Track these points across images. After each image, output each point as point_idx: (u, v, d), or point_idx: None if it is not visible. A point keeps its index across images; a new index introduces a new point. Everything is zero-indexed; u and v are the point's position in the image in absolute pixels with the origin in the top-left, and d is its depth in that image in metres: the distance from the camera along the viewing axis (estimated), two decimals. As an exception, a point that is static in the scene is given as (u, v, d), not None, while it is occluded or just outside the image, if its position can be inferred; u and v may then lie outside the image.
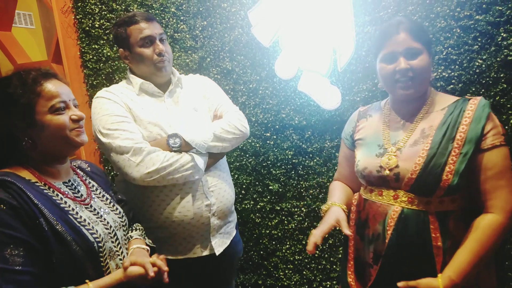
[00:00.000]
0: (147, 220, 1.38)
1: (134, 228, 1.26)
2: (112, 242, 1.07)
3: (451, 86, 1.58)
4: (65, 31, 2.04)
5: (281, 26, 1.66)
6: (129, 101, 1.38)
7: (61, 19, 2.02)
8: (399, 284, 1.05)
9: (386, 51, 1.17)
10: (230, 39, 1.82)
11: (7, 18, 2.25)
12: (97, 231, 1.01)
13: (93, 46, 2.01)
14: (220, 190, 1.45)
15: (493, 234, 1.07)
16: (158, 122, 1.38)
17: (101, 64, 2.01)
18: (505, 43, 1.49)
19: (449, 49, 1.56)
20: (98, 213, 1.08)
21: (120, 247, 1.10)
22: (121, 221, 1.15)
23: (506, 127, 1.53)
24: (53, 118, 0.99)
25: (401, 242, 1.13)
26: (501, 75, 1.51)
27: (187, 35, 1.86)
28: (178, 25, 1.86)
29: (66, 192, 1.03)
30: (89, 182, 1.16)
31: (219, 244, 1.46)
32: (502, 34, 1.49)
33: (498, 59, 1.50)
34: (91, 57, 2.02)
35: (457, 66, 1.57)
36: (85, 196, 1.09)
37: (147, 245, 1.22)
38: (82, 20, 1.99)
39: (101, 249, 1.00)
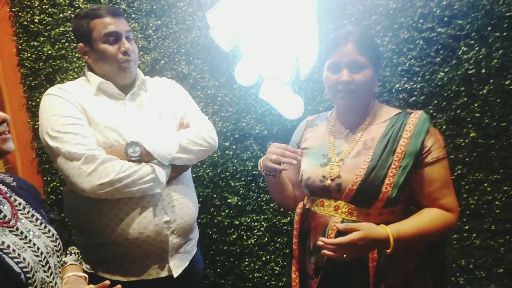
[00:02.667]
0: (97, 236, 1.22)
1: (69, 252, 1.09)
2: (44, 271, 0.90)
3: (413, 98, 1.56)
4: (-1, 25, 1.81)
5: (242, 29, 1.56)
6: (84, 101, 1.23)
7: (-6, 11, 1.80)
8: (338, 225, 1.08)
9: (332, 60, 1.17)
10: (187, 41, 1.70)
11: None
12: (24, 259, 0.85)
13: (31, 43, 1.80)
14: (181, 205, 1.31)
15: (443, 220, 1.10)
16: (117, 127, 1.23)
17: (41, 63, 1.81)
18: (465, 56, 1.49)
19: (412, 60, 1.54)
20: (26, 237, 0.91)
21: (54, 277, 0.94)
22: (54, 246, 0.99)
23: (466, 140, 1.53)
24: None
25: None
26: (462, 89, 1.51)
27: (139, 35, 1.71)
28: (129, 24, 1.70)
29: None
30: (15, 200, 0.98)
31: (177, 265, 1.32)
32: (463, 48, 1.49)
33: (459, 72, 1.50)
34: (29, 55, 1.81)
35: (419, 78, 1.55)
36: (9, 216, 0.91)
37: (84, 271, 1.06)
38: (19, 13, 1.78)
39: (30, 281, 0.84)
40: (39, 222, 0.99)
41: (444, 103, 1.53)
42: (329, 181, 1.16)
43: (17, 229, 0.91)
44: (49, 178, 1.91)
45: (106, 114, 1.24)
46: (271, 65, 1.59)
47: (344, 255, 1.03)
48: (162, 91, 1.42)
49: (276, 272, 1.84)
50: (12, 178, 1.05)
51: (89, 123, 1.21)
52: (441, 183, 1.12)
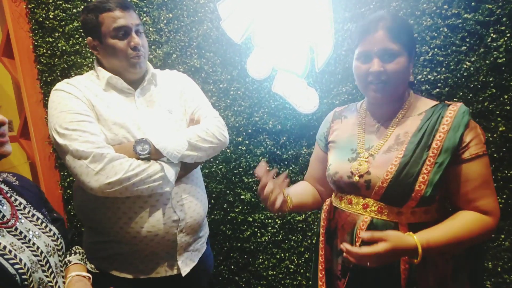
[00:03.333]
0: (105, 233, 1.21)
1: (73, 251, 1.08)
2: (44, 271, 0.89)
3: (437, 90, 1.46)
4: (16, 22, 1.83)
5: (254, 20, 1.51)
6: (93, 97, 1.20)
7: (11, 8, 1.81)
8: (362, 234, 0.99)
9: (362, 49, 1.07)
10: (198, 34, 1.65)
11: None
12: (21, 260, 0.84)
13: (47, 39, 1.81)
14: (190, 204, 1.29)
15: (479, 225, 1.01)
16: (126, 123, 1.20)
17: (56, 59, 1.81)
18: (494, 44, 1.37)
19: (435, 49, 1.44)
20: (25, 236, 0.90)
21: (54, 277, 0.93)
22: (56, 245, 0.97)
23: (495, 135, 1.41)
24: None
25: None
26: (490, 79, 1.39)
27: (150, 29, 1.68)
28: (141, 17, 1.68)
29: None
30: (16, 200, 0.97)
31: (186, 264, 1.29)
32: (492, 34, 1.37)
33: (487, 61, 1.39)
34: (45, 51, 1.82)
35: (443, 69, 1.44)
36: (8, 217, 0.90)
37: (88, 271, 1.05)
38: (35, 10, 1.79)
39: (26, 282, 0.83)
40: (40, 221, 0.98)
41: (471, 95, 1.42)
42: (356, 178, 1.09)
43: (16, 229, 0.90)
44: (66, 173, 1.93)
45: (115, 110, 1.21)
46: (285, 57, 1.53)
47: (368, 264, 0.96)
48: (172, 85, 1.38)
49: (291, 270, 1.79)
50: (15, 178, 1.05)
51: (98, 120, 1.19)
52: (479, 183, 1.02)
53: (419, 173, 1.01)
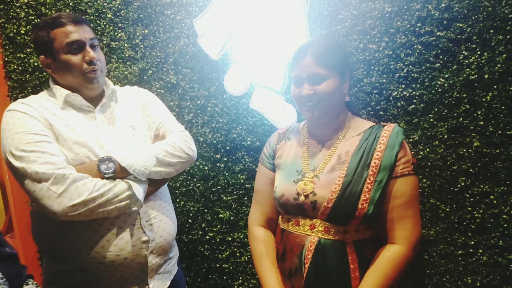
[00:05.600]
0: (69, 261, 1.13)
1: (26, 283, 1.00)
2: None
3: (412, 106, 1.47)
4: (-15, 37, 1.77)
5: (231, 37, 1.50)
6: (50, 116, 1.14)
7: (-20, 23, 1.76)
8: None
9: (294, 74, 1.16)
10: (175, 50, 1.63)
11: None
12: None
13: (18, 55, 1.75)
14: (160, 223, 1.24)
15: (397, 266, 1.04)
16: (87, 142, 1.14)
17: (27, 76, 1.76)
18: (466, 61, 1.40)
19: (410, 66, 1.46)
20: None
21: None
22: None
23: (470, 150, 1.43)
24: None
25: (320, 275, 1.07)
26: (464, 95, 1.42)
27: (125, 44, 1.65)
28: (116, 33, 1.65)
29: None
30: None
31: (158, 287, 1.24)
32: (464, 52, 1.40)
33: (460, 78, 1.41)
34: (15, 67, 1.76)
35: (418, 85, 1.46)
36: None
37: None
38: (6, 25, 1.74)
39: None
40: None
41: (445, 110, 1.44)
42: (302, 198, 1.11)
43: None
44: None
45: (75, 129, 1.16)
46: (262, 74, 1.52)
47: None
48: (134, 101, 1.34)
49: (271, 290, 1.74)
50: None
51: (57, 140, 1.12)
52: (401, 202, 1.07)
53: (361, 192, 1.05)
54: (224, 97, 1.64)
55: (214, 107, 1.66)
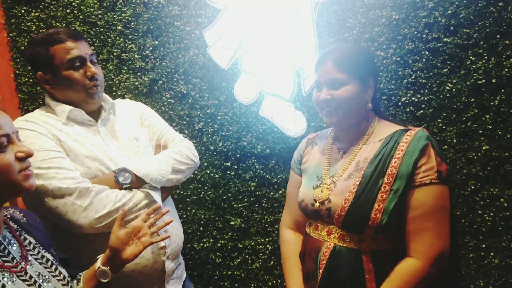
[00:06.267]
0: None
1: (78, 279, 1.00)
2: None
3: (421, 111, 1.49)
4: (-3, 50, 1.80)
5: (240, 46, 1.52)
6: (57, 132, 1.15)
7: (-8, 36, 1.78)
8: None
9: (316, 78, 1.16)
10: (185, 60, 1.66)
11: None
12: None
13: (28, 68, 1.77)
14: (172, 228, 1.27)
15: (411, 281, 0.99)
16: (98, 156, 1.16)
17: (38, 88, 1.78)
18: (474, 66, 1.42)
19: (418, 72, 1.48)
20: (35, 282, 0.81)
21: None
22: None
23: (479, 153, 1.44)
24: None
25: (333, 282, 1.05)
26: (472, 100, 1.43)
27: (136, 55, 1.68)
28: (126, 45, 1.67)
29: None
30: (25, 239, 0.88)
31: None
32: (471, 57, 1.42)
33: (468, 83, 1.43)
34: (26, 79, 1.78)
35: (426, 91, 1.48)
36: (18, 259, 0.82)
37: None
38: (17, 38, 1.76)
39: None
40: (49, 263, 0.89)
41: (454, 115, 1.46)
42: (317, 204, 1.11)
43: (26, 273, 0.81)
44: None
45: (84, 144, 1.17)
46: (272, 82, 1.54)
47: None
48: (131, 113, 1.37)
49: (283, 297, 1.75)
50: (22, 214, 0.95)
51: (67, 155, 1.13)
52: (420, 213, 1.00)
53: (374, 201, 1.01)
54: (234, 106, 1.66)
55: (224, 116, 1.68)
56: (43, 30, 1.73)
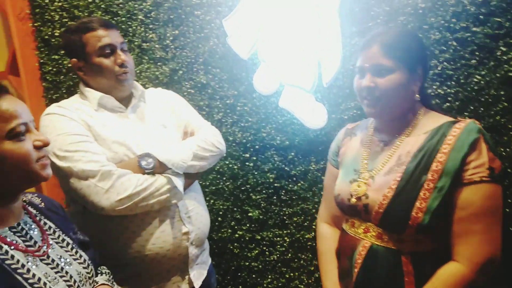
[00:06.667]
0: (113, 257, 1.17)
1: (99, 271, 1.03)
2: None
3: (447, 104, 1.44)
4: (22, 40, 1.84)
5: (260, 36, 1.50)
6: (87, 117, 1.20)
7: (17, 26, 1.82)
8: None
9: (358, 63, 1.06)
10: (205, 50, 1.65)
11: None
12: None
13: (52, 57, 1.81)
14: (197, 215, 1.29)
15: (454, 287, 0.91)
16: (125, 141, 1.20)
17: (62, 77, 1.81)
18: (505, 57, 1.35)
19: (445, 63, 1.42)
20: (58, 265, 0.83)
21: None
22: (87, 272, 0.90)
23: (508, 149, 1.38)
24: (13, 146, 0.77)
25: (369, 283, 1.00)
26: (501, 93, 1.37)
27: (156, 45, 1.68)
28: (147, 34, 1.68)
29: (14, 242, 0.79)
30: (45, 223, 0.90)
31: (197, 277, 1.29)
32: (502, 48, 1.35)
33: (497, 75, 1.37)
34: (50, 68, 1.82)
35: (453, 82, 1.42)
36: (40, 243, 0.84)
37: None
38: (41, 28, 1.80)
39: None
40: (70, 247, 0.91)
41: (482, 109, 1.40)
42: (354, 200, 1.03)
43: (48, 257, 0.83)
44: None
45: (112, 129, 1.21)
46: (292, 72, 1.51)
47: None
48: (161, 101, 1.39)
49: (300, 290, 1.74)
50: (40, 199, 0.98)
51: (96, 140, 1.17)
52: (467, 214, 0.91)
53: (416, 199, 0.93)
54: (253, 96, 1.65)
55: (244, 106, 1.67)
56: (66, 20, 1.76)
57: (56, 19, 1.76)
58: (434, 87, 1.45)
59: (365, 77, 1.02)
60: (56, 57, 1.80)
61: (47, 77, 1.83)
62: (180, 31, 1.66)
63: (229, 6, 1.58)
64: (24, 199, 0.92)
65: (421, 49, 1.07)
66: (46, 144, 0.83)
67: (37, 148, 0.81)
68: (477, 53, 1.39)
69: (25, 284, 0.75)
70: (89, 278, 0.91)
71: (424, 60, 1.09)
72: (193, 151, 1.24)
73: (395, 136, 1.06)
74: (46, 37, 1.79)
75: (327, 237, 1.23)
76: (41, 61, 1.83)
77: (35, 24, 1.80)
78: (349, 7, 1.49)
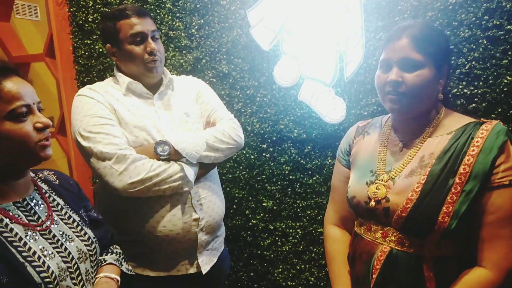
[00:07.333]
0: (127, 234, 1.25)
1: (110, 250, 1.08)
2: (72, 278, 0.87)
3: (473, 105, 1.38)
4: (59, 24, 1.93)
5: (283, 28, 1.49)
6: (114, 101, 1.26)
7: (55, 11, 1.91)
8: None
9: (383, 57, 1.00)
10: (228, 40, 1.67)
11: (5, 8, 2.16)
12: (48, 267, 0.82)
13: (85, 41, 1.89)
14: (209, 203, 1.32)
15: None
16: (146, 126, 1.25)
17: (93, 61, 1.89)
18: (540, 58, 1.28)
19: (473, 62, 1.36)
20: (58, 240, 0.88)
21: (83, 284, 0.91)
22: (89, 250, 0.95)
23: (536, 156, 1.31)
24: (13, 127, 0.81)
25: None
26: (533, 96, 1.30)
27: (182, 34, 1.72)
28: (174, 23, 1.72)
29: (17, 216, 0.85)
30: (54, 200, 0.96)
31: (206, 262, 1.33)
32: (537, 48, 1.28)
33: (530, 76, 1.29)
34: (83, 52, 1.90)
35: (481, 83, 1.36)
36: (43, 218, 0.89)
37: (122, 273, 1.05)
38: (76, 13, 1.88)
39: None
40: (75, 224, 0.96)
41: (511, 111, 1.33)
42: (373, 203, 0.99)
43: (50, 232, 0.88)
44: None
45: (136, 114, 1.26)
46: (313, 65, 1.50)
47: None
48: (188, 90, 1.42)
49: (310, 283, 1.75)
50: (56, 176, 1.03)
51: (119, 123, 1.23)
52: (495, 218, 0.88)
53: (443, 203, 0.90)
54: (273, 88, 1.65)
55: (263, 98, 1.67)
56: (99, 6, 1.83)
57: (90, 5, 1.84)
58: (460, 86, 1.39)
59: (391, 71, 0.97)
60: (89, 41, 1.88)
61: (80, 61, 1.92)
62: (205, 21, 1.68)
63: (254, -3, 1.58)
64: (40, 176, 0.99)
65: (448, 46, 1.02)
66: (47, 126, 0.86)
67: (38, 130, 0.84)
68: (509, 53, 1.32)
69: (18, 256, 0.79)
70: (91, 255, 0.96)
71: (450, 58, 1.05)
72: (208, 142, 1.26)
73: (415, 136, 1.02)
74: (80, 22, 1.87)
75: (336, 239, 1.19)
76: (75, 45, 1.91)
77: (71, 10, 1.88)
78: (375, 1, 1.45)
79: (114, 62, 1.35)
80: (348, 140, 1.20)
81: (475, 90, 1.37)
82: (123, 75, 1.30)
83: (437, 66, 0.95)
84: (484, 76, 1.35)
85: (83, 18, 1.86)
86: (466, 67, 1.37)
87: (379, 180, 1.01)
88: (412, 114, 1.00)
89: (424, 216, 0.91)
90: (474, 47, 1.35)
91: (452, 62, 1.38)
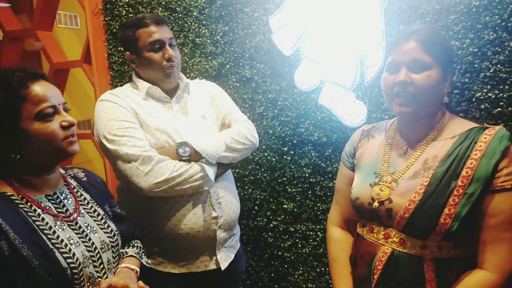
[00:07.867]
0: (149, 232, 1.32)
1: (131, 244, 1.16)
2: (95, 266, 0.95)
3: (498, 109, 1.35)
4: (95, 33, 2.06)
5: (304, 33, 1.52)
6: (135, 105, 1.33)
7: (92, 20, 2.05)
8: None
9: (391, 59, 1.02)
10: (251, 46, 1.72)
11: (49, 19, 2.33)
12: (74, 254, 0.90)
13: (119, 49, 2.00)
14: (227, 201, 1.39)
15: None
16: (166, 129, 1.32)
17: (126, 67, 2.00)
18: None
19: (498, 65, 1.33)
20: (83, 231, 0.97)
21: (105, 272, 0.98)
22: (111, 241, 1.03)
23: None
24: (41, 126, 0.89)
25: None
26: None
27: (208, 40, 1.79)
28: (200, 30, 1.79)
29: (48, 207, 0.93)
30: (81, 195, 1.05)
31: (224, 259, 1.39)
32: None
33: (559, 80, 1.25)
34: (116, 59, 2.02)
35: (507, 87, 1.33)
36: (71, 211, 0.98)
37: (142, 265, 1.12)
38: (111, 22, 2.00)
39: (76, 276, 0.89)
40: (100, 217, 1.04)
41: (538, 116, 1.29)
42: (376, 204, 1.01)
43: (76, 223, 0.97)
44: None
45: (156, 117, 1.33)
46: (333, 70, 1.52)
47: None
48: (204, 93, 1.48)
49: (330, 286, 1.75)
50: (84, 174, 1.13)
51: (141, 126, 1.30)
52: (497, 222, 0.89)
53: (445, 205, 0.92)
54: (294, 92, 1.68)
55: (284, 101, 1.71)
56: (132, 15, 1.94)
57: (123, 14, 1.95)
58: (485, 90, 1.36)
59: (398, 72, 0.99)
60: (122, 49, 1.99)
61: (114, 67, 2.04)
62: (230, 27, 1.74)
63: (276, 3, 1.63)
64: (69, 173, 1.09)
65: (452, 51, 1.05)
66: (72, 124, 0.95)
67: (64, 128, 0.93)
68: (537, 56, 1.28)
69: (48, 243, 0.88)
70: (113, 247, 1.03)
71: (453, 63, 1.06)
72: (227, 143, 1.32)
73: (419, 139, 1.04)
74: (114, 30, 1.99)
75: (339, 241, 1.21)
76: (109, 52, 2.04)
77: (106, 19, 2.00)
78: (396, 4, 1.45)
79: (133, 69, 1.42)
80: (353, 143, 1.23)
81: (500, 94, 1.34)
82: (142, 81, 1.37)
83: (443, 68, 0.97)
84: (510, 79, 1.32)
85: (117, 27, 1.98)
86: (491, 71, 1.34)
87: (383, 182, 1.03)
88: (419, 116, 1.01)
89: (426, 217, 0.93)
90: (499, 49, 1.32)
91: (476, 65, 1.36)
